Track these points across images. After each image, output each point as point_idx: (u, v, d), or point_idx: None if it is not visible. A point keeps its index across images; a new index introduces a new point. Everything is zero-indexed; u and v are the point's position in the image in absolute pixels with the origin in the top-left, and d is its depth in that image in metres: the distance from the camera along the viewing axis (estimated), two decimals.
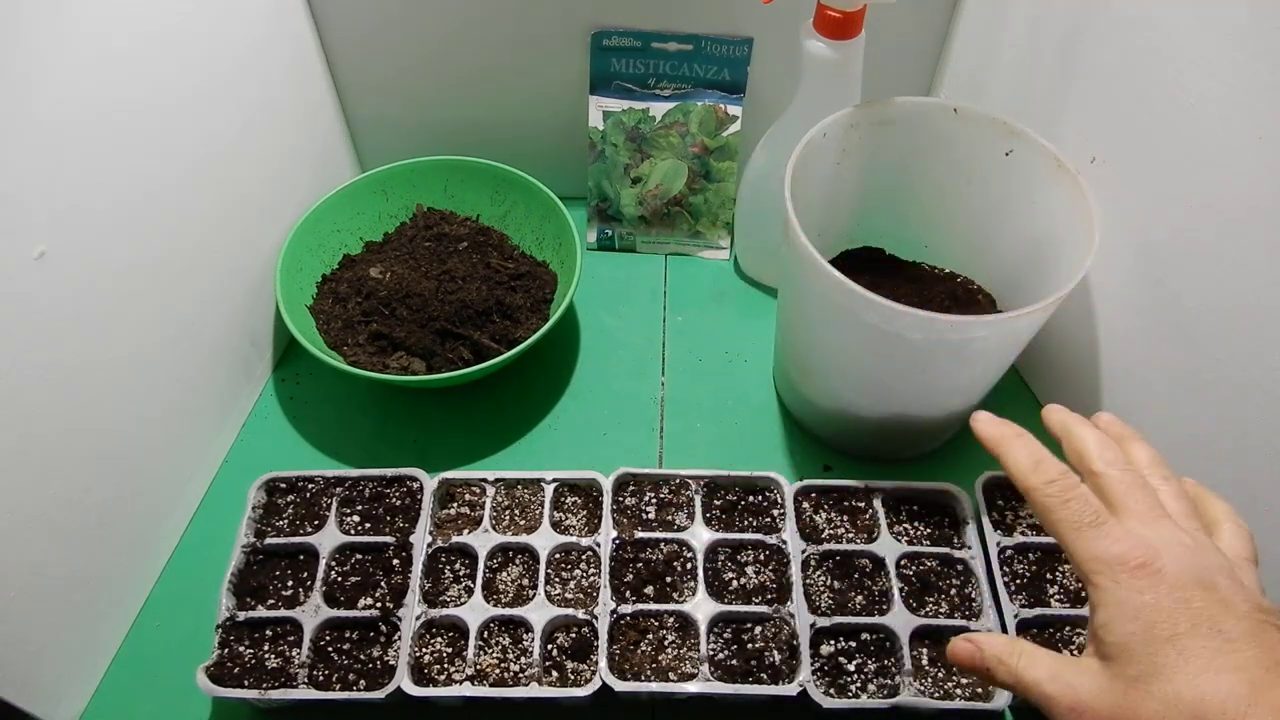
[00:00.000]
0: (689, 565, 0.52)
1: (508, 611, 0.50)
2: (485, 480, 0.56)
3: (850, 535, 0.54)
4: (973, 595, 0.52)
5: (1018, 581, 0.53)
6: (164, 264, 0.54)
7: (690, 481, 0.56)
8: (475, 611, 0.50)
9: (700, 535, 0.53)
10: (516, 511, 0.55)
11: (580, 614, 0.50)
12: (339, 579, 0.52)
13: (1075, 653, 0.50)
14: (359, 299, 0.67)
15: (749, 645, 0.50)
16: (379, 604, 0.51)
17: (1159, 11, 0.49)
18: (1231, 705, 0.29)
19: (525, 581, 0.52)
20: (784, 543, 0.53)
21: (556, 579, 0.52)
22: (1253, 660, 0.30)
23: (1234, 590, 0.32)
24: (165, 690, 0.52)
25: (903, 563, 0.53)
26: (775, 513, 0.55)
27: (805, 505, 0.56)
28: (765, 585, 0.52)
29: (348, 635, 0.50)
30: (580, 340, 0.71)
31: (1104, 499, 0.34)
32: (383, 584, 0.52)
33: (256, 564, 0.53)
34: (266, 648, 0.50)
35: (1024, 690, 0.34)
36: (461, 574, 0.53)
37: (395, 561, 0.53)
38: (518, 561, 0.53)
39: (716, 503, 0.56)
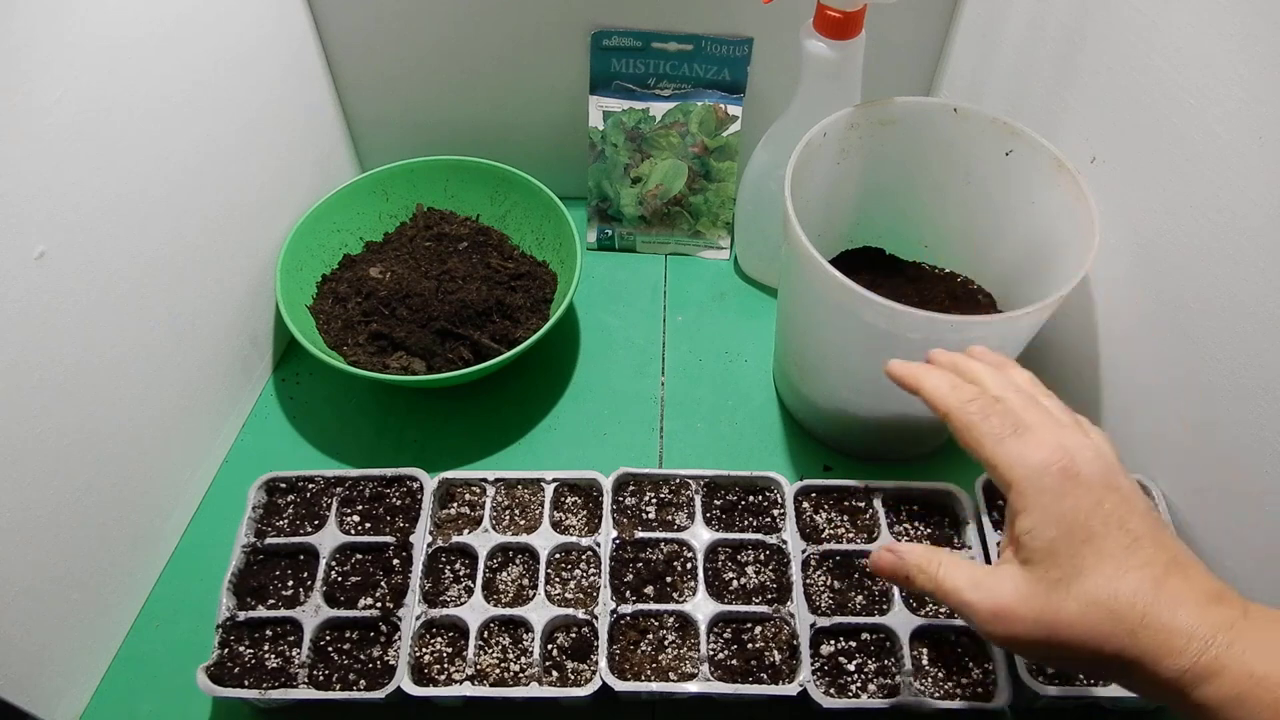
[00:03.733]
0: (689, 565, 0.52)
1: (508, 611, 0.50)
2: (485, 480, 0.56)
3: (850, 535, 0.54)
4: None
5: None
6: (164, 264, 0.54)
7: (690, 481, 0.56)
8: (475, 611, 0.50)
9: (700, 535, 0.53)
10: (516, 511, 0.55)
11: (580, 614, 0.50)
12: (339, 579, 0.52)
13: None
14: (359, 299, 0.67)
15: (749, 645, 0.50)
16: (379, 604, 0.51)
17: (1159, 11, 0.49)
18: (1139, 599, 0.31)
19: (525, 581, 0.52)
20: (784, 543, 0.53)
21: (556, 579, 0.52)
22: (1154, 557, 0.32)
23: (1132, 490, 0.34)
24: (165, 690, 0.52)
25: None
26: (775, 513, 0.55)
27: (805, 505, 0.56)
28: (765, 585, 0.52)
29: (348, 635, 0.50)
30: (580, 340, 0.71)
31: None
32: (383, 584, 0.52)
33: (256, 564, 0.53)
34: (266, 648, 0.50)
35: (944, 597, 0.35)
36: (461, 574, 0.53)
37: (395, 561, 0.53)
38: (518, 561, 0.53)
39: (716, 503, 0.56)
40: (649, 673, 0.48)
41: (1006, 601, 0.33)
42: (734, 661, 0.49)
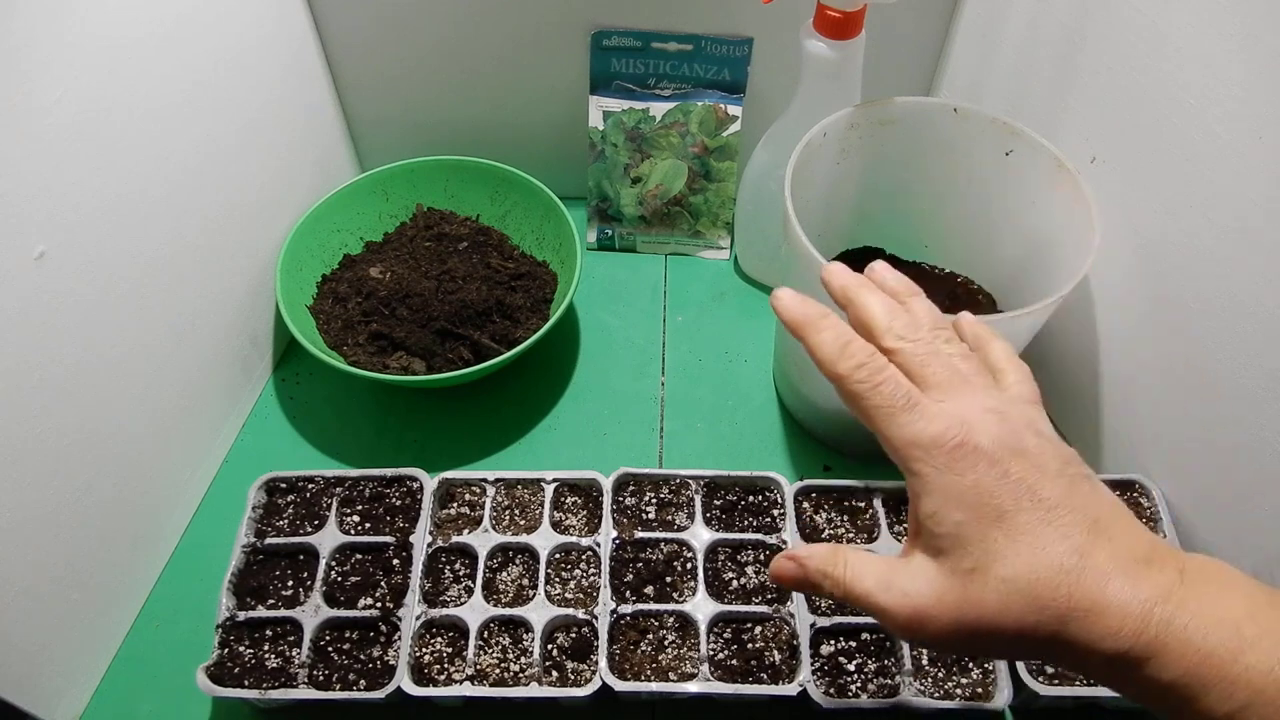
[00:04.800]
0: (689, 565, 0.53)
1: (508, 611, 0.50)
2: (485, 480, 0.56)
3: (850, 535, 0.54)
4: None
5: None
6: (164, 264, 0.54)
7: (690, 481, 0.56)
8: (475, 611, 0.50)
9: (700, 535, 0.53)
10: (516, 511, 0.55)
11: (580, 614, 0.50)
12: (339, 579, 0.52)
13: None
14: (359, 299, 0.67)
15: (749, 645, 0.50)
16: (379, 604, 0.51)
17: (1159, 11, 0.49)
18: (1063, 579, 0.28)
19: (525, 581, 0.52)
20: (784, 543, 0.53)
21: (556, 579, 0.52)
22: (1072, 525, 0.29)
23: (1042, 448, 0.31)
24: (165, 690, 0.52)
25: None
26: (775, 513, 0.55)
27: (805, 505, 0.56)
28: (765, 585, 0.52)
29: (348, 635, 0.50)
30: (580, 340, 0.71)
31: (904, 373, 0.32)
32: (383, 584, 0.52)
33: (256, 564, 0.53)
34: (266, 648, 0.50)
35: (854, 603, 0.32)
36: (461, 574, 0.53)
37: (395, 561, 0.53)
38: (518, 561, 0.53)
39: (716, 503, 0.56)
40: (649, 673, 0.48)
41: (922, 603, 0.30)
42: (734, 661, 0.49)
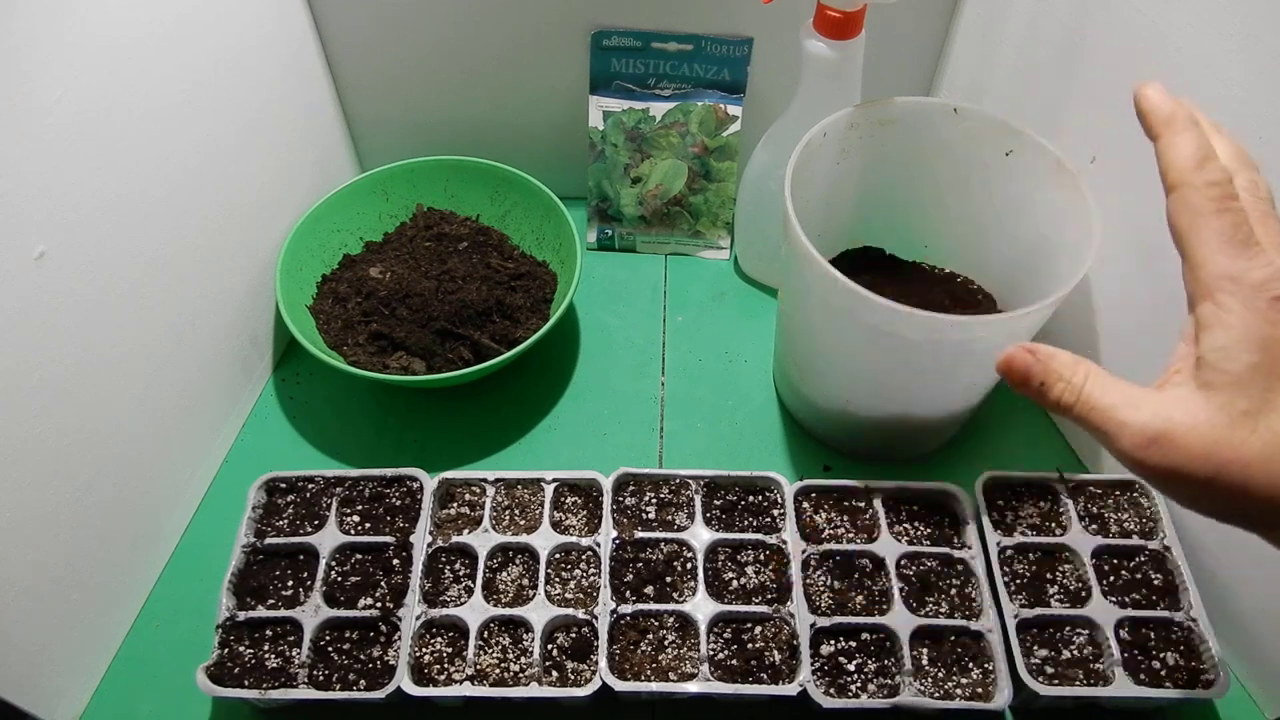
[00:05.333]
0: (689, 565, 0.52)
1: (508, 611, 0.50)
2: (485, 480, 0.56)
3: (850, 535, 0.54)
4: (973, 595, 0.52)
5: (1018, 581, 0.53)
6: (164, 264, 0.54)
7: (690, 481, 0.56)
8: (475, 611, 0.50)
9: (700, 535, 0.53)
10: (516, 511, 0.55)
11: (580, 614, 0.50)
12: (339, 579, 0.52)
13: (1075, 651, 0.50)
14: (359, 299, 0.67)
15: (749, 645, 0.50)
16: (379, 604, 0.51)
17: (1159, 11, 0.49)
18: None
19: (525, 581, 0.52)
20: (784, 543, 0.53)
21: (556, 579, 0.52)
22: None
23: None
24: (165, 690, 0.52)
25: (903, 563, 0.53)
26: (775, 513, 0.55)
27: (805, 505, 0.56)
28: (765, 585, 0.52)
29: (348, 635, 0.50)
30: (580, 340, 0.71)
31: None
32: (383, 584, 0.52)
33: (256, 564, 0.53)
34: (266, 648, 0.50)
35: (1086, 414, 0.30)
36: (461, 574, 0.53)
37: (395, 561, 0.53)
38: (518, 561, 0.53)
39: (716, 503, 0.56)
40: (649, 673, 0.48)
41: (1172, 425, 0.28)
42: (734, 661, 0.49)
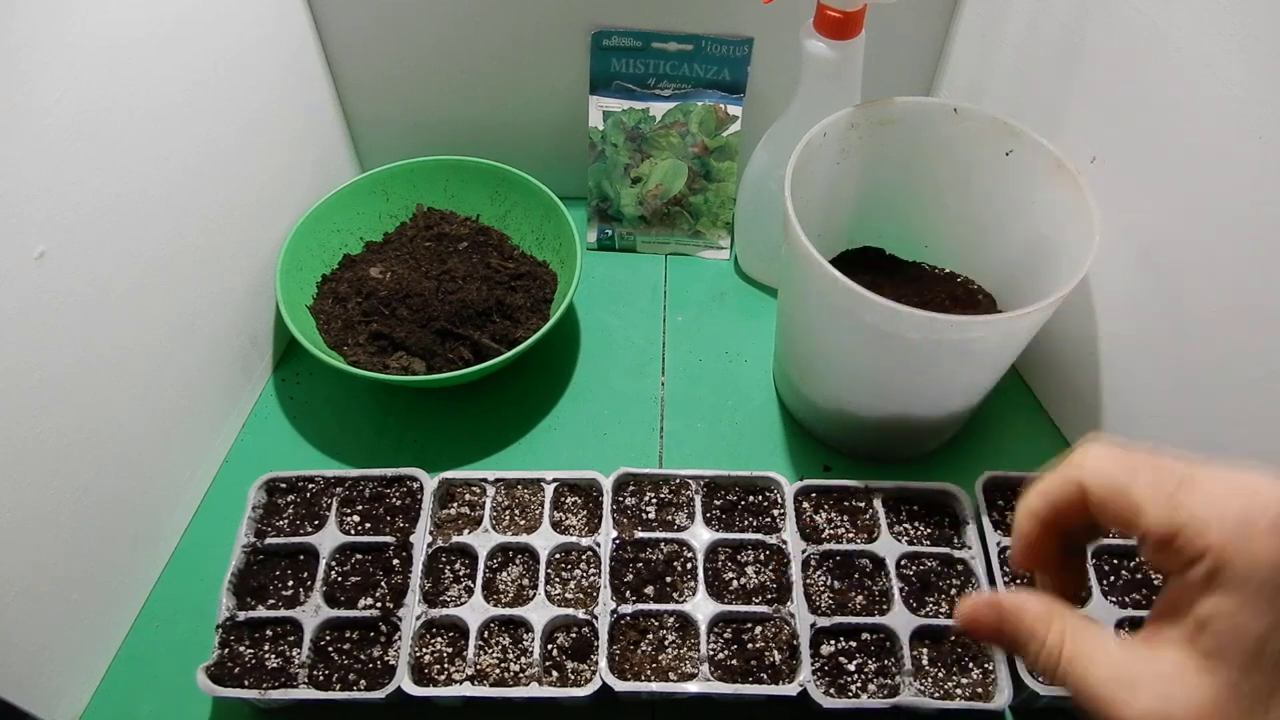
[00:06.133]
0: (689, 565, 0.52)
1: (508, 611, 0.50)
2: (485, 480, 0.56)
3: (850, 535, 0.54)
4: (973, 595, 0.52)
5: (1017, 582, 0.53)
6: (164, 264, 0.54)
7: (690, 481, 0.56)
8: (475, 611, 0.50)
9: (700, 535, 0.53)
10: (516, 511, 0.55)
11: (580, 614, 0.50)
12: (339, 579, 0.52)
13: None
14: (359, 299, 0.67)
15: (749, 645, 0.50)
16: (379, 604, 0.51)
17: (1159, 11, 0.49)
18: None
19: (525, 581, 0.52)
20: (784, 543, 0.53)
21: (556, 579, 0.52)
22: None
23: None
24: (165, 690, 0.52)
25: (903, 563, 0.53)
26: (775, 513, 0.55)
27: (805, 505, 0.56)
28: (765, 585, 0.52)
29: (348, 635, 0.50)
30: (580, 340, 0.71)
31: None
32: (383, 584, 0.52)
33: (256, 564, 0.53)
34: (267, 648, 0.50)
35: (1072, 684, 0.25)
36: (461, 574, 0.53)
37: (395, 561, 0.53)
38: (518, 561, 0.53)
39: (716, 503, 0.56)
40: (649, 673, 0.48)
41: (1171, 710, 0.23)
42: (734, 661, 0.49)
